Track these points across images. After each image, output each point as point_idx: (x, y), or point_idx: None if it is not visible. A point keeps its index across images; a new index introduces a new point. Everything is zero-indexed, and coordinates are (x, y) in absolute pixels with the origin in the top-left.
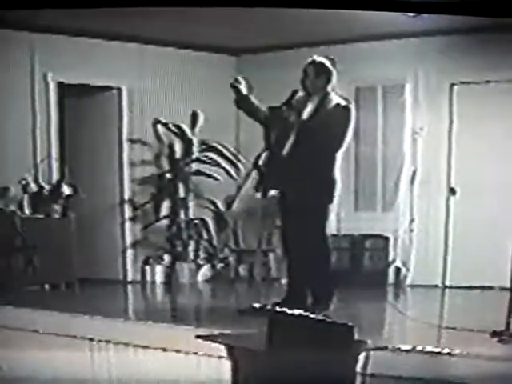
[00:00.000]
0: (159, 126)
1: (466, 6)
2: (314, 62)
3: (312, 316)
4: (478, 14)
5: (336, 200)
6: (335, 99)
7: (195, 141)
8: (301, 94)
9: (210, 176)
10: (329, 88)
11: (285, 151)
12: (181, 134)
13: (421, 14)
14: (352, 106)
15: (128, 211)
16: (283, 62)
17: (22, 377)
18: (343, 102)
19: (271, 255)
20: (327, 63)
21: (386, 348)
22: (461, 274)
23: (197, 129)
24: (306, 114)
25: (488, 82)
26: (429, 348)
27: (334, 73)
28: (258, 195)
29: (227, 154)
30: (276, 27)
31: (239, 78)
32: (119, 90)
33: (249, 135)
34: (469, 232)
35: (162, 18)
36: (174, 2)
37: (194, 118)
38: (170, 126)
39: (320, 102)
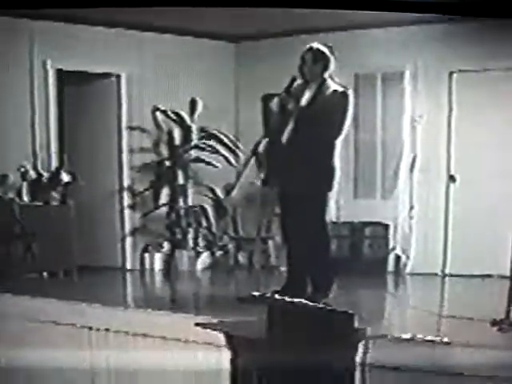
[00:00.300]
0: (158, 113)
1: (466, 6)
2: (311, 48)
3: (312, 304)
4: (478, 14)
5: (335, 187)
6: (333, 86)
7: (194, 128)
8: (299, 81)
9: (209, 163)
10: (326, 75)
11: (284, 139)
12: (180, 121)
13: None
14: (350, 92)
15: (127, 198)
16: (283, 49)
17: (20, 366)
18: (341, 89)
19: (270, 243)
20: (325, 50)
21: (385, 336)
22: (461, 262)
23: (196, 116)
24: (304, 101)
25: (487, 70)
26: (428, 337)
27: (332, 59)
28: (258, 182)
29: (226, 141)
30: (276, 14)
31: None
32: (118, 77)
33: (248, 122)
34: (469, 220)
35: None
36: (175, 2)
37: (193, 105)
38: (169, 113)
39: (318, 88)
